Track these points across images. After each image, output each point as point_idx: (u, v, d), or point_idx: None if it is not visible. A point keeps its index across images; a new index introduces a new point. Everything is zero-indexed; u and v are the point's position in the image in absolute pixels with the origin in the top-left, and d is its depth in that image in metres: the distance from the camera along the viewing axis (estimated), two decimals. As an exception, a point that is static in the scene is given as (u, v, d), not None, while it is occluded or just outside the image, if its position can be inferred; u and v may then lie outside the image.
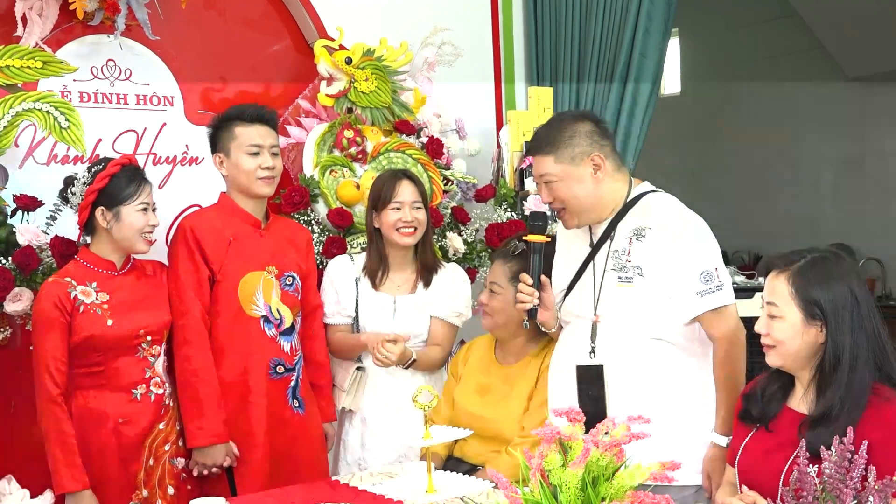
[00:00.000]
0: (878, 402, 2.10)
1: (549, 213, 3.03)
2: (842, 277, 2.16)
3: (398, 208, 3.31)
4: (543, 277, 2.82)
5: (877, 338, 2.15)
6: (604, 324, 2.70)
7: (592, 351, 2.70)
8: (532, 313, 2.83)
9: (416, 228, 3.32)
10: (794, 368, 2.24)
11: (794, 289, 2.18)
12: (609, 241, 2.73)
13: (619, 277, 2.67)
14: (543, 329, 2.95)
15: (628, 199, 2.73)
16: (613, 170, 2.73)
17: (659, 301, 2.63)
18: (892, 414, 2.08)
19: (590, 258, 2.77)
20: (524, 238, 2.85)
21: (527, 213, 3.99)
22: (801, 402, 2.24)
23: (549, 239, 2.83)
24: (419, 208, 3.33)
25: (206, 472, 3.06)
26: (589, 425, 2.61)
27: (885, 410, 2.08)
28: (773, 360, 2.26)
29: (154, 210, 3.00)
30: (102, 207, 2.92)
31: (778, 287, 2.21)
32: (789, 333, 2.19)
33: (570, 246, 2.88)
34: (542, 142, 2.74)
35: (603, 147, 2.71)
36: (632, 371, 2.65)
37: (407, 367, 3.29)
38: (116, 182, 2.92)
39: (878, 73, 7.17)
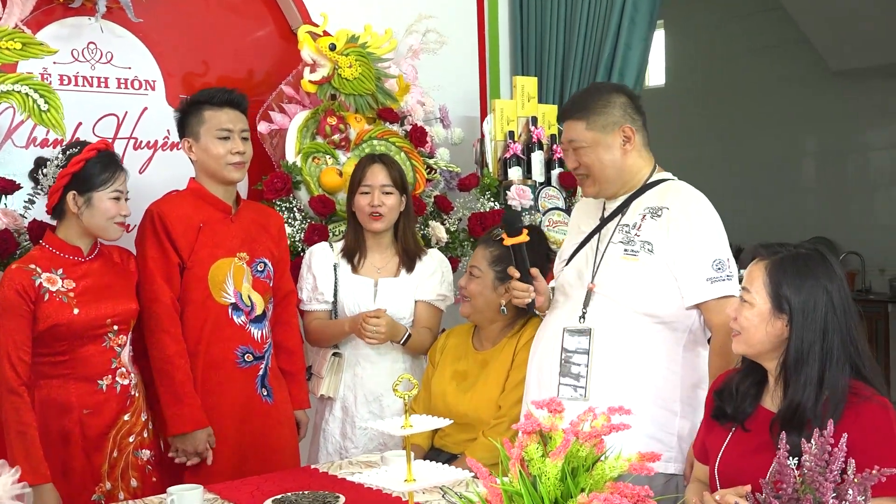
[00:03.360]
0: (856, 401, 2.09)
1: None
2: (819, 278, 2.15)
3: (367, 192, 3.30)
4: (533, 270, 2.83)
5: (853, 341, 2.15)
6: (599, 293, 2.71)
7: (583, 316, 2.71)
8: (530, 306, 2.85)
9: (383, 214, 3.30)
10: (759, 358, 2.24)
11: (769, 279, 2.18)
12: (620, 215, 2.75)
13: (626, 250, 2.69)
14: (538, 313, 2.95)
15: (648, 181, 2.75)
16: (641, 145, 2.76)
17: (662, 279, 2.64)
18: (869, 412, 2.07)
19: (596, 230, 2.79)
20: (505, 244, 2.85)
21: (511, 201, 3.99)
22: (772, 400, 2.24)
23: (528, 238, 2.84)
24: (389, 193, 3.30)
25: (185, 460, 3.03)
26: (566, 389, 2.65)
27: (863, 409, 2.08)
28: (737, 346, 2.26)
29: (126, 200, 2.94)
30: (74, 192, 2.85)
31: (754, 274, 2.22)
32: (755, 321, 2.20)
33: (579, 223, 2.91)
34: (576, 107, 2.78)
35: (635, 121, 2.75)
36: (620, 340, 2.66)
37: (404, 344, 3.28)
38: (91, 167, 2.86)
39: (861, 69, 7.20)
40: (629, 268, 2.67)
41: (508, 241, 2.81)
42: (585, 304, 2.72)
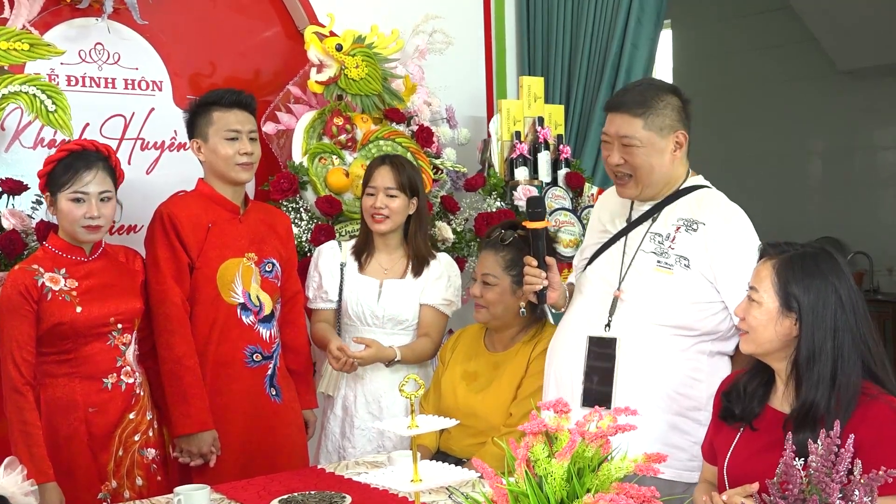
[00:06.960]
0: (865, 400, 2.09)
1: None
2: (827, 276, 2.14)
3: (371, 194, 3.30)
4: (549, 259, 2.76)
5: (864, 339, 2.14)
6: (626, 301, 2.66)
7: (608, 324, 2.67)
8: (541, 297, 2.77)
9: (386, 217, 3.29)
10: (766, 358, 2.23)
11: (777, 277, 2.18)
12: (650, 222, 2.70)
13: (659, 262, 2.63)
14: (553, 309, 2.92)
15: (680, 188, 2.70)
16: (684, 154, 2.71)
17: (697, 295, 2.60)
18: (878, 411, 2.07)
19: (623, 233, 2.74)
20: (525, 225, 2.81)
21: (517, 202, 3.99)
22: (782, 400, 2.23)
23: (550, 224, 2.79)
24: (393, 196, 3.29)
25: (190, 461, 3.03)
26: (590, 398, 2.62)
27: (872, 408, 2.07)
28: (745, 346, 2.25)
29: (108, 200, 2.86)
30: (48, 193, 2.87)
31: (762, 273, 2.21)
32: (763, 320, 2.18)
33: (601, 218, 2.86)
34: (633, 102, 2.64)
35: (686, 127, 2.69)
36: (646, 350, 2.62)
37: (389, 366, 3.27)
38: (56, 168, 2.85)
39: (869, 67, 7.18)
40: (662, 280, 2.62)
41: (531, 226, 2.75)
42: (611, 312, 2.67)
